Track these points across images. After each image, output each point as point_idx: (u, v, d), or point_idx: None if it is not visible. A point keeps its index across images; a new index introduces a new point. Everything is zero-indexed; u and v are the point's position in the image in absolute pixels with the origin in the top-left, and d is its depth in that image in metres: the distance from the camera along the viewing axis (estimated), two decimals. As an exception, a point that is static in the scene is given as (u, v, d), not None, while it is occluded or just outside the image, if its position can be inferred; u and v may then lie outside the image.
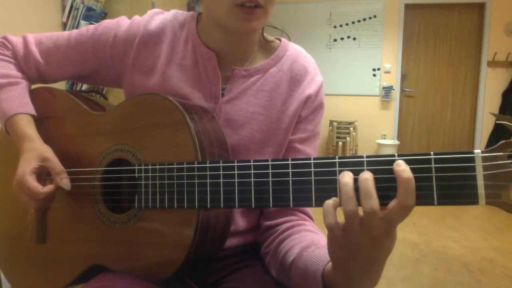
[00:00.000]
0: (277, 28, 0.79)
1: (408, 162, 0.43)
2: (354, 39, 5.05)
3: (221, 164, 0.53)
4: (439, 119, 5.04)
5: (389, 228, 0.43)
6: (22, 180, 0.64)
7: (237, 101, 0.71)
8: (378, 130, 5.13)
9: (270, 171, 0.50)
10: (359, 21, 5.02)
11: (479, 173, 0.41)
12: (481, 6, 4.74)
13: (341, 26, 5.07)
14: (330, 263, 0.53)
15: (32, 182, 0.63)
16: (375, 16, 4.97)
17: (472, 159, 0.41)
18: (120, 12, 2.37)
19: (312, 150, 0.75)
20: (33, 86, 0.80)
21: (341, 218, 0.44)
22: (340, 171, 0.46)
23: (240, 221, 0.73)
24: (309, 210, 0.73)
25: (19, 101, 0.72)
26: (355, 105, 5.14)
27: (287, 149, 0.74)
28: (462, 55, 4.89)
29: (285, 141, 0.73)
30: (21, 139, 0.69)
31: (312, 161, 0.47)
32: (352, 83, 5.10)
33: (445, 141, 5.06)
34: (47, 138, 0.71)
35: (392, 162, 0.44)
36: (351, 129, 4.84)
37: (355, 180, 0.44)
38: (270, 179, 0.50)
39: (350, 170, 0.45)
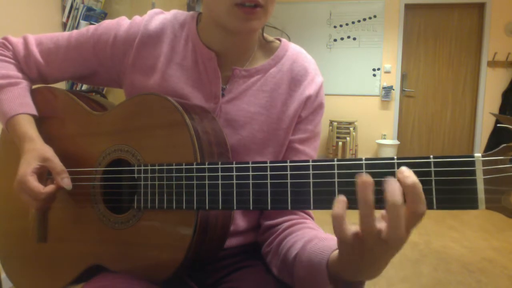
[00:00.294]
0: (277, 28, 0.79)
1: (407, 165, 0.42)
2: (354, 39, 5.05)
3: (219, 166, 0.53)
4: (439, 119, 5.04)
5: (404, 236, 0.42)
6: (23, 180, 0.64)
7: (238, 101, 0.71)
8: (378, 130, 5.13)
9: (268, 173, 0.50)
10: (359, 21, 5.02)
11: (479, 177, 0.40)
12: (481, 6, 4.74)
13: (341, 26, 5.07)
14: (334, 253, 0.53)
15: (33, 182, 0.64)
16: (375, 16, 4.97)
17: (472, 163, 0.40)
18: (120, 12, 2.37)
19: (312, 151, 0.75)
20: (34, 86, 0.80)
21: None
22: (339, 174, 0.45)
23: (240, 221, 0.73)
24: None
25: (20, 101, 0.73)
26: (355, 105, 5.14)
27: (287, 149, 0.74)
28: (462, 55, 4.89)
29: (285, 141, 0.73)
30: (21, 139, 0.69)
31: (310, 163, 0.47)
32: (352, 83, 5.10)
33: (445, 141, 5.06)
34: (47, 138, 0.71)
35: (390, 165, 0.43)
36: (351, 129, 4.84)
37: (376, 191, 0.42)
38: (269, 181, 0.49)
39: (348, 173, 0.45)
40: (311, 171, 0.47)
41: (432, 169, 0.42)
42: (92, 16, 2.24)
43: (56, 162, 0.66)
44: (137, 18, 0.74)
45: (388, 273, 2.23)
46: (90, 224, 0.66)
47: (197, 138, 0.58)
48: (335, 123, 4.88)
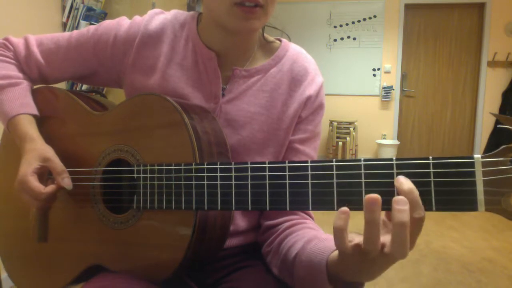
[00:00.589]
0: (277, 29, 0.79)
1: (406, 166, 0.42)
2: (354, 39, 5.05)
3: (218, 166, 0.53)
4: (439, 119, 5.04)
5: (409, 249, 0.41)
6: (24, 180, 0.64)
7: (238, 101, 0.71)
8: (378, 130, 5.13)
9: (267, 173, 0.50)
10: (359, 21, 5.02)
11: (479, 179, 0.40)
12: (481, 6, 4.74)
13: (341, 26, 5.07)
14: (334, 254, 0.53)
15: (34, 182, 0.64)
16: (375, 16, 4.97)
17: (471, 164, 0.40)
18: (120, 12, 2.37)
19: (312, 151, 0.75)
20: (35, 87, 0.80)
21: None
22: (337, 175, 0.45)
23: (240, 221, 0.73)
24: (309, 209, 0.73)
25: (20, 102, 0.73)
26: (355, 105, 5.14)
27: (287, 150, 0.74)
28: (462, 55, 4.89)
29: (285, 141, 0.73)
30: (22, 140, 0.69)
31: (309, 164, 0.47)
32: (352, 83, 5.10)
33: (445, 141, 5.06)
34: (48, 138, 0.71)
35: (389, 166, 0.43)
36: (351, 129, 4.84)
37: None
38: (267, 181, 0.49)
39: (347, 174, 0.45)
40: (309, 172, 0.47)
41: (431, 170, 0.42)
42: (92, 16, 2.24)
43: (56, 162, 0.66)
44: (137, 18, 0.74)
45: (388, 273, 2.23)
46: (90, 224, 0.66)
47: (196, 138, 0.58)
48: (335, 123, 4.88)
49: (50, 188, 0.64)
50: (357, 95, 5.12)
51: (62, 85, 2.00)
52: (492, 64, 4.70)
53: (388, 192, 0.43)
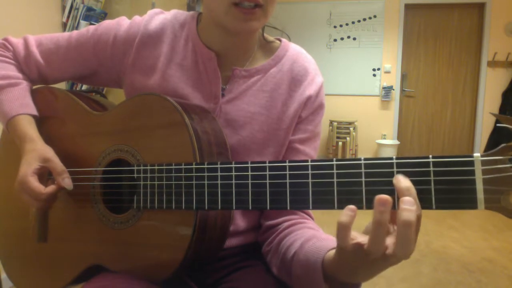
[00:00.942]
0: (277, 29, 0.79)
1: (406, 165, 0.43)
2: (354, 39, 5.05)
3: (218, 165, 0.53)
4: (439, 119, 5.04)
5: (413, 250, 0.41)
6: (24, 181, 0.64)
7: (238, 101, 0.71)
8: (378, 130, 5.12)
9: (267, 173, 0.50)
10: (359, 21, 5.01)
11: (479, 177, 0.40)
12: (481, 6, 4.74)
13: (341, 26, 5.07)
14: (330, 252, 0.53)
15: (34, 183, 0.64)
16: (375, 16, 4.97)
17: (471, 163, 0.40)
18: (120, 12, 2.37)
19: (313, 151, 0.75)
20: (35, 87, 0.80)
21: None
22: (338, 174, 0.45)
23: (240, 221, 0.73)
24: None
25: (20, 102, 0.73)
26: (355, 105, 5.14)
27: (287, 150, 0.74)
28: (462, 55, 4.89)
29: (285, 141, 0.73)
30: (22, 140, 0.69)
31: (309, 163, 0.47)
32: (352, 83, 5.10)
33: (445, 141, 5.06)
34: (48, 138, 0.71)
35: (389, 165, 0.43)
36: (351, 129, 4.84)
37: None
38: (267, 181, 0.49)
39: (347, 173, 0.45)
40: (310, 171, 0.47)
41: (431, 169, 0.42)
42: (92, 16, 2.24)
43: (56, 163, 0.66)
44: (137, 18, 0.74)
45: (388, 273, 2.23)
46: (90, 224, 0.66)
47: (196, 138, 0.58)
48: (335, 123, 4.88)
49: (51, 188, 0.64)
50: (357, 95, 5.12)
51: (62, 85, 2.00)
52: (492, 64, 4.70)
53: (389, 191, 0.43)
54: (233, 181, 0.52)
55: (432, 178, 0.42)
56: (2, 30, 1.78)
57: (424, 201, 0.42)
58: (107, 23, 0.75)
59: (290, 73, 0.73)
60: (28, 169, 0.65)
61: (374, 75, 5.04)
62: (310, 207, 0.47)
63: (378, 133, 5.13)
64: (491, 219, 3.25)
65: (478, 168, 0.40)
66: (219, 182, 0.53)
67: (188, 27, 0.73)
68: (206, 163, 0.54)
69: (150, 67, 0.72)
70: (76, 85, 2.12)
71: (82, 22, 2.20)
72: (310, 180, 0.47)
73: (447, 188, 0.41)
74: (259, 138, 0.71)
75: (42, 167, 0.66)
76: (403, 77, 5.01)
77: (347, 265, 0.48)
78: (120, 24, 0.73)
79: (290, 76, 0.73)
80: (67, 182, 0.65)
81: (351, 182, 0.45)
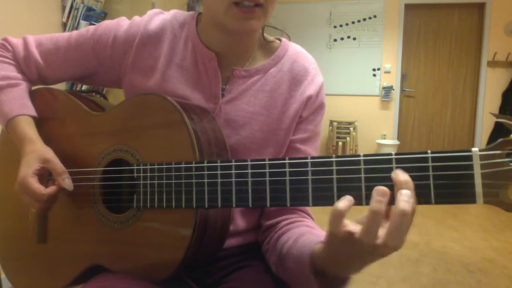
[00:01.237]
0: (277, 28, 0.79)
1: (405, 160, 0.43)
2: (354, 39, 5.05)
3: (218, 164, 0.53)
4: (439, 119, 5.04)
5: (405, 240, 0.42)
6: (24, 182, 0.64)
7: (237, 101, 0.71)
8: (378, 130, 5.12)
9: (267, 170, 0.50)
10: (359, 21, 5.02)
11: (477, 172, 0.40)
12: (481, 6, 4.74)
13: (341, 26, 5.07)
14: (319, 244, 0.53)
15: (35, 184, 0.64)
16: (375, 16, 4.97)
17: (469, 158, 0.41)
18: (120, 12, 2.37)
19: (313, 150, 0.75)
20: (34, 87, 0.80)
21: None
22: (337, 171, 0.46)
23: (239, 221, 0.73)
24: (308, 209, 0.74)
25: (20, 103, 0.73)
26: (355, 105, 5.14)
27: (288, 150, 0.74)
28: (462, 55, 4.89)
29: (285, 141, 0.73)
30: (22, 141, 0.69)
31: (309, 160, 0.47)
32: (352, 83, 5.10)
33: (445, 141, 5.06)
34: (47, 139, 0.71)
35: (388, 161, 0.43)
36: (351, 129, 4.84)
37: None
38: (267, 178, 0.50)
39: (347, 169, 0.45)
40: (309, 168, 0.47)
41: (430, 164, 0.42)
42: (92, 16, 2.24)
43: (56, 163, 0.66)
44: (136, 18, 0.74)
45: (388, 273, 2.23)
46: (90, 224, 0.66)
47: (196, 138, 0.58)
48: (335, 123, 4.88)
49: (51, 189, 0.64)
50: (357, 95, 5.12)
51: (62, 85, 2.00)
52: (492, 64, 4.70)
53: (388, 187, 0.43)
54: (233, 179, 0.52)
55: (431, 173, 0.42)
56: (2, 30, 1.78)
57: (424, 196, 0.42)
58: (106, 23, 0.75)
59: (290, 73, 0.73)
60: (28, 170, 0.65)
61: (374, 75, 5.04)
62: (310, 204, 0.47)
63: (378, 133, 5.13)
64: (491, 219, 3.25)
65: (476, 163, 0.41)
66: (219, 180, 0.53)
67: (188, 27, 0.73)
68: (206, 161, 0.54)
69: (149, 67, 0.72)
70: (76, 85, 2.12)
71: (82, 22, 2.20)
72: (310, 177, 0.47)
73: (446, 183, 0.42)
74: (259, 138, 0.71)
75: (42, 168, 0.66)
76: (403, 77, 5.01)
77: (334, 254, 0.48)
78: (120, 24, 0.73)
79: (290, 76, 0.73)
80: (67, 182, 0.65)
81: (351, 178, 0.45)
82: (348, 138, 4.83)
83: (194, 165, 0.55)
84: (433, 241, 2.75)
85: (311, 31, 5.13)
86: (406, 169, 0.43)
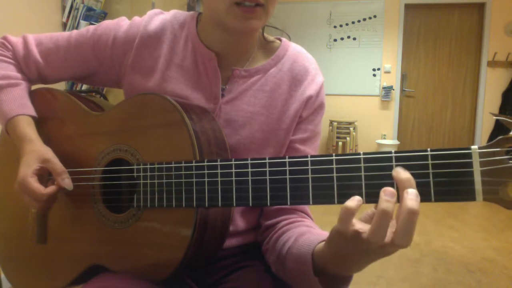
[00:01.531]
0: (277, 28, 0.79)
1: (405, 158, 0.43)
2: (354, 39, 5.05)
3: (218, 163, 0.53)
4: (439, 119, 5.04)
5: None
6: (24, 182, 0.64)
7: (237, 102, 0.71)
8: (378, 130, 5.13)
9: (267, 169, 0.50)
10: (359, 21, 5.02)
11: (476, 169, 0.41)
12: (481, 6, 4.74)
13: (341, 26, 5.07)
14: (321, 244, 0.53)
15: (34, 183, 0.63)
16: (375, 16, 4.97)
17: (469, 155, 0.41)
18: (120, 12, 2.37)
19: (313, 151, 0.75)
20: (34, 87, 0.80)
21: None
22: (337, 169, 0.46)
23: (239, 221, 0.73)
24: (308, 209, 0.74)
25: (19, 102, 0.72)
26: (355, 105, 5.14)
27: (287, 150, 0.74)
28: (462, 55, 4.89)
29: (285, 141, 0.73)
30: (21, 141, 0.69)
31: (309, 159, 0.47)
32: (352, 83, 5.10)
33: (445, 141, 5.06)
34: (47, 139, 0.71)
35: (388, 159, 0.44)
36: (351, 129, 4.84)
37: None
38: (268, 177, 0.50)
39: (347, 168, 0.45)
40: (309, 167, 0.47)
41: (430, 162, 0.42)
42: (92, 16, 2.24)
43: (56, 163, 0.66)
44: (136, 18, 0.74)
45: (388, 273, 2.23)
46: (90, 224, 0.66)
47: (196, 138, 0.58)
48: (335, 123, 4.88)
49: (51, 189, 0.64)
50: (357, 95, 5.12)
51: (61, 85, 2.00)
52: (492, 64, 4.70)
53: (389, 185, 0.43)
54: (233, 178, 0.52)
55: (430, 171, 0.42)
56: (2, 30, 1.78)
57: (423, 194, 0.42)
58: (106, 23, 0.74)
59: (290, 73, 0.73)
60: (27, 170, 0.64)
61: (374, 75, 5.04)
62: (311, 202, 0.47)
63: (378, 133, 5.13)
64: (491, 219, 3.26)
65: (476, 160, 0.41)
66: (219, 179, 0.53)
67: (188, 27, 0.73)
68: (206, 161, 0.54)
69: (149, 68, 0.72)
70: (76, 85, 2.12)
71: (82, 22, 2.20)
72: (310, 176, 0.47)
73: (445, 181, 0.42)
74: (259, 138, 0.71)
75: (41, 167, 0.66)
76: (403, 77, 5.01)
77: (337, 253, 0.48)
78: (120, 24, 0.73)
79: (290, 76, 0.73)
80: (67, 182, 0.65)
81: (351, 176, 0.45)
82: (348, 138, 4.83)
83: (194, 164, 0.55)
84: (433, 241, 2.75)
85: (311, 31, 5.13)
86: (405, 167, 0.43)
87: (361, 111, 5.13)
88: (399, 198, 0.42)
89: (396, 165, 0.43)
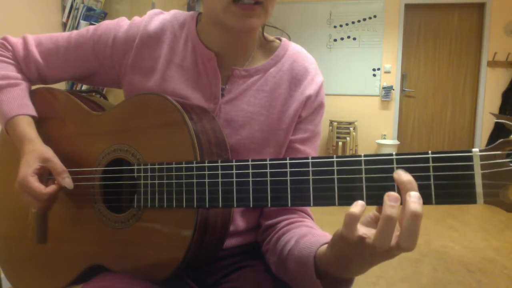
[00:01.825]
0: (277, 28, 0.79)
1: (406, 161, 0.43)
2: (354, 39, 5.05)
3: (219, 164, 0.53)
4: (439, 119, 5.03)
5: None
6: (24, 181, 0.64)
7: (237, 101, 0.71)
8: (378, 130, 5.12)
9: (268, 170, 0.50)
10: (359, 21, 5.01)
11: (477, 172, 0.41)
12: (481, 6, 4.74)
13: (341, 26, 5.07)
14: (323, 246, 0.53)
15: (35, 183, 0.63)
16: (375, 16, 4.97)
17: (470, 158, 0.41)
18: (120, 12, 2.37)
19: (313, 150, 0.75)
20: (34, 87, 0.80)
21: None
22: (338, 171, 0.46)
23: (239, 221, 0.73)
24: (308, 209, 0.74)
25: (19, 102, 0.73)
26: (355, 105, 5.14)
27: (287, 150, 0.74)
28: (462, 55, 4.89)
29: (285, 141, 0.73)
30: (21, 141, 0.69)
31: (310, 160, 0.47)
32: (352, 83, 5.10)
33: (445, 141, 5.06)
34: (47, 139, 0.71)
35: (389, 161, 0.44)
36: (351, 129, 4.84)
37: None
38: (268, 178, 0.50)
39: (347, 170, 0.45)
40: (310, 168, 0.47)
41: (431, 164, 0.42)
42: (92, 16, 2.24)
43: (56, 163, 0.66)
44: (136, 18, 0.74)
45: (388, 273, 2.23)
46: (90, 224, 0.66)
47: (196, 138, 0.58)
48: (335, 123, 4.87)
49: (51, 188, 0.64)
50: (357, 95, 5.11)
51: (62, 85, 2.00)
52: (492, 64, 4.70)
53: (389, 187, 0.43)
54: (234, 179, 0.52)
55: (431, 173, 0.42)
56: (2, 30, 1.78)
57: (424, 197, 0.42)
58: (106, 23, 0.74)
59: (290, 73, 0.73)
60: (28, 169, 0.64)
61: (374, 75, 5.04)
62: (311, 204, 0.47)
63: (378, 133, 5.13)
64: (491, 219, 3.25)
65: (477, 163, 0.41)
66: (219, 180, 0.53)
67: (188, 27, 0.73)
68: (206, 162, 0.54)
69: (149, 68, 0.72)
70: (76, 85, 2.12)
71: (82, 22, 2.20)
72: (310, 177, 0.47)
73: (446, 183, 0.42)
74: (259, 138, 0.71)
75: (42, 167, 0.66)
76: (403, 77, 5.01)
77: (340, 257, 0.48)
78: (120, 25, 0.73)
79: (290, 76, 0.73)
80: (67, 181, 0.65)
81: (352, 178, 0.45)
82: (348, 138, 4.83)
83: (195, 165, 0.55)
84: (433, 241, 2.75)
85: (311, 31, 5.13)
86: (406, 170, 0.43)
87: (361, 111, 5.13)
88: (401, 201, 0.41)
89: (397, 168, 0.43)
